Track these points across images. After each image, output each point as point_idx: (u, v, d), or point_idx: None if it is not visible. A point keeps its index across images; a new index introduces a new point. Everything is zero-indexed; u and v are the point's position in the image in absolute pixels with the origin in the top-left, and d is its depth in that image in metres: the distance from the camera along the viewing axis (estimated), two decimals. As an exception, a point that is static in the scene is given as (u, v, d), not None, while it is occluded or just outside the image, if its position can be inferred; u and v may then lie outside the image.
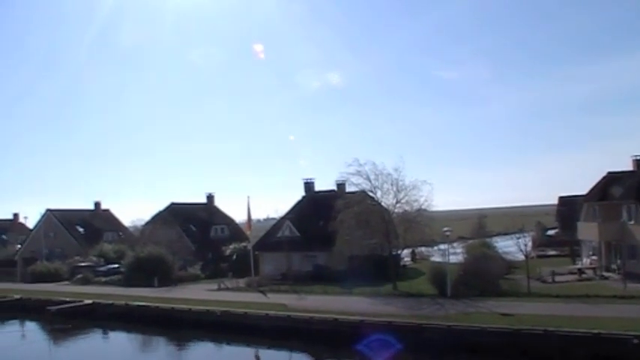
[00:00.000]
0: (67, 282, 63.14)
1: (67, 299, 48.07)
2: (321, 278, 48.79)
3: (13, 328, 47.00)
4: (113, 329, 42.90)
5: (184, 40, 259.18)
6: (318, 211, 54.79)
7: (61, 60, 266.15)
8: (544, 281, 42.82)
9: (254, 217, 57.65)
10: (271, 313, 36.12)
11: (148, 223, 72.74)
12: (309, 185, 61.32)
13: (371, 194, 47.10)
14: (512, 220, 60.77)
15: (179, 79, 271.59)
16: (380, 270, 46.03)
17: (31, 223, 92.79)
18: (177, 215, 71.86)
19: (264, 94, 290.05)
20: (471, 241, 58.86)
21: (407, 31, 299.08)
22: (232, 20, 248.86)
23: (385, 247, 47.37)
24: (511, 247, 47.71)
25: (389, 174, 46.12)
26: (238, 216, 79.90)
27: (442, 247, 46.97)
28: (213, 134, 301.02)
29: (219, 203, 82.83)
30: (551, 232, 76.73)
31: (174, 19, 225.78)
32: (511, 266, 47.57)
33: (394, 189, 46.17)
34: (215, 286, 50.27)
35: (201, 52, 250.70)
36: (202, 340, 36.89)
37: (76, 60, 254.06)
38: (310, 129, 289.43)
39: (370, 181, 46.48)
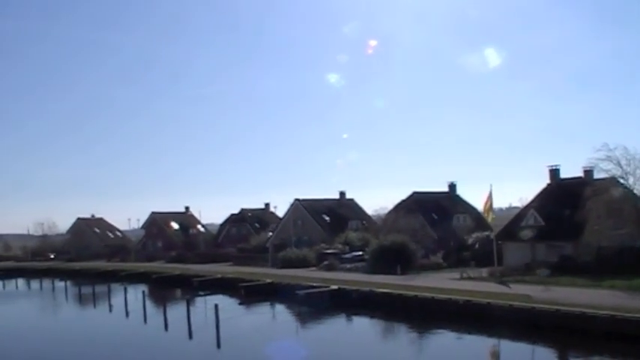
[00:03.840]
0: (313, 268, 66.49)
1: (314, 284, 50.47)
2: (566, 269, 46.70)
3: (264, 309, 50.27)
4: (357, 314, 44.41)
5: (429, 32, 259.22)
6: (564, 200, 52.57)
7: (297, 53, 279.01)
8: None
9: (496, 205, 56.58)
10: (515, 304, 35.22)
11: (390, 212, 74.34)
12: (554, 172, 58.69)
13: (622, 181, 44.35)
14: None
15: (424, 66, 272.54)
16: (633, 262, 43.07)
17: (280, 212, 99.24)
18: (419, 204, 72.70)
19: (502, 82, 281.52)
20: None
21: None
22: (461, 16, 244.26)
23: (638, 237, 44.37)
24: None
25: (643, 159, 43.14)
26: (480, 205, 79.04)
27: None
28: (453, 122, 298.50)
29: (461, 192, 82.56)
30: None
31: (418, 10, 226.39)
32: None
33: (648, 175, 43.14)
34: (457, 275, 50.18)
35: (438, 40, 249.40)
36: (443, 329, 36.80)
37: (316, 53, 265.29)
38: (551, 116, 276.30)
39: (621, 167, 43.84)
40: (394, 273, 53.79)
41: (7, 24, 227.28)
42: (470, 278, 48.81)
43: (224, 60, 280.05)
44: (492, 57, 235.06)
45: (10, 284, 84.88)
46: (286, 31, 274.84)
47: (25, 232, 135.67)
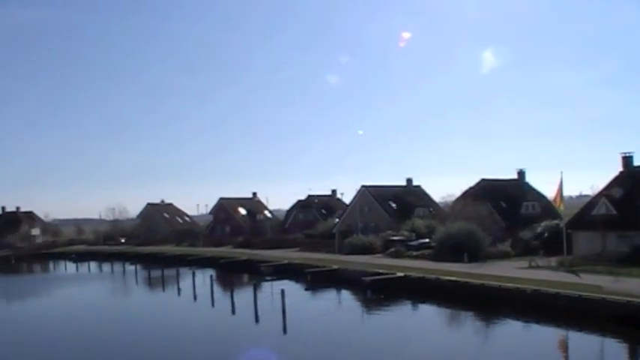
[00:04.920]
0: (379, 254, 66.46)
1: (381, 271, 50.55)
2: (639, 260, 45.48)
3: (330, 295, 50.55)
4: (423, 302, 44.22)
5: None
6: (637, 188, 51.05)
7: (370, 41, 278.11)
8: None
9: (566, 193, 55.25)
10: (584, 294, 34.49)
11: (458, 199, 73.64)
12: (627, 160, 56.68)
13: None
14: None
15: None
16: None
17: (347, 199, 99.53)
18: (487, 191, 71.70)
19: (571, 70, 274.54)
20: None
21: None
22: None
23: None
24: None
25: None
26: (550, 192, 77.67)
27: None
28: (523, 110, 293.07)
29: (531, 179, 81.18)
30: None
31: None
32: None
33: None
34: (525, 264, 49.39)
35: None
36: (510, 318, 36.35)
37: (385, 43, 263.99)
38: (622, 103, 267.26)
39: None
40: (461, 261, 53.45)
41: (81, 18, 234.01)
42: (538, 267, 47.97)
43: (289, 48, 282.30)
44: (559, 46, 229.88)
45: (83, 267, 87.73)
46: (350, 21, 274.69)
47: (97, 216, 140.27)
